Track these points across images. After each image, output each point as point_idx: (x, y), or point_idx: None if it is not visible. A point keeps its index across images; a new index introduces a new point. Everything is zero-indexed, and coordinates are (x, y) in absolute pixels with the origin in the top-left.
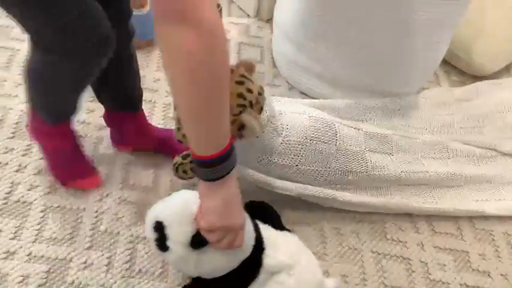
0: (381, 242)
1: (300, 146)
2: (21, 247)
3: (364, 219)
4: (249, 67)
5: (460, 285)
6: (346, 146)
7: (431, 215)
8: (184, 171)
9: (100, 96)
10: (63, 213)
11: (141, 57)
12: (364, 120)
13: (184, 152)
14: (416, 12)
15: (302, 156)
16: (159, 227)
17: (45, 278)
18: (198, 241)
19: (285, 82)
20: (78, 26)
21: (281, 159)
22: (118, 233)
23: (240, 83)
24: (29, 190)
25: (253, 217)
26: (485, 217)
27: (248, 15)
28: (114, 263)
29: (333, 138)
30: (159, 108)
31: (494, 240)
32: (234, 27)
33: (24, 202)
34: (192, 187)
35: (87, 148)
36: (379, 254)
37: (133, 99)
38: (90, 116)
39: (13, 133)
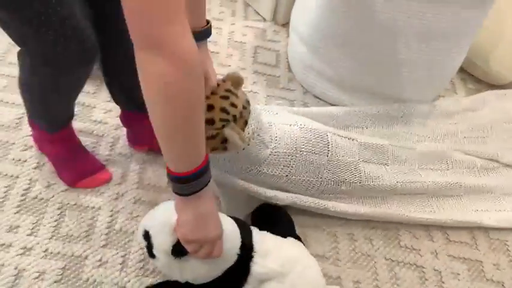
0: (395, 249)
1: (289, 157)
2: (38, 243)
3: (378, 226)
4: (237, 81)
5: None
6: (338, 156)
7: (429, 225)
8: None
9: (115, 97)
10: (79, 211)
11: None
12: (363, 127)
13: None
14: (436, 20)
15: (292, 167)
16: (146, 236)
17: (61, 274)
18: (178, 250)
19: (299, 86)
20: (61, 38)
21: (270, 169)
22: (133, 232)
23: (225, 97)
24: (46, 187)
25: (263, 221)
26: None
27: (264, 19)
28: (129, 262)
29: (325, 149)
30: None
31: (508, 250)
32: (250, 31)
33: (41, 199)
34: None
35: (103, 147)
36: (392, 261)
37: None
38: (107, 116)
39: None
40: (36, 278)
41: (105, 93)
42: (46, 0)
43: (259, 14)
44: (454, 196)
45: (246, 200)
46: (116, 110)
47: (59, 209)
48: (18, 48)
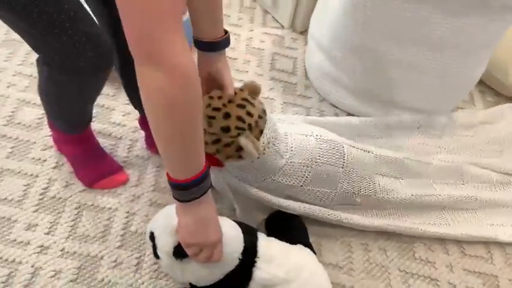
0: (409, 260)
1: (304, 167)
2: (55, 242)
3: (393, 237)
4: (254, 90)
5: None
6: (353, 168)
7: (444, 238)
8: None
9: (133, 101)
10: (96, 212)
11: None
12: (379, 137)
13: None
14: (458, 32)
15: (307, 177)
16: (152, 237)
17: (76, 274)
18: (179, 252)
19: (316, 94)
20: (75, 44)
21: (285, 179)
22: None
23: (241, 106)
24: (65, 187)
25: (277, 227)
26: None
27: (282, 26)
28: (143, 264)
29: (340, 161)
30: None
31: None
32: (268, 38)
33: (59, 198)
34: None
35: (121, 149)
36: (406, 273)
37: None
38: (125, 119)
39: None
40: (52, 276)
41: (124, 96)
42: (59, 6)
43: (277, 21)
44: (469, 210)
45: (259, 207)
46: (135, 112)
47: (76, 208)
48: None
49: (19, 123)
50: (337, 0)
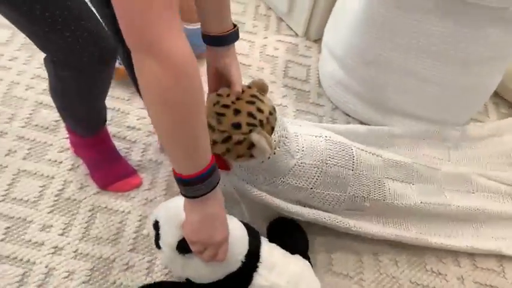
0: (420, 272)
1: (315, 168)
2: (68, 243)
3: (404, 248)
4: (262, 87)
5: None
6: (363, 171)
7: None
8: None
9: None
10: (109, 214)
11: None
12: (385, 147)
13: None
14: (476, 44)
15: (317, 179)
16: (156, 226)
17: (89, 275)
18: (183, 247)
19: (329, 102)
20: (78, 40)
21: (295, 180)
22: None
23: (251, 102)
24: (79, 189)
25: (278, 234)
26: None
27: (297, 34)
28: (155, 268)
29: (350, 163)
30: None
31: None
32: (282, 45)
33: (74, 200)
34: None
35: (135, 153)
36: (418, 284)
37: None
38: (140, 123)
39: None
40: (66, 277)
41: (139, 100)
42: (62, 4)
43: (291, 29)
44: (477, 222)
45: (266, 212)
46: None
47: (90, 211)
48: None
49: (36, 125)
50: (352, 10)
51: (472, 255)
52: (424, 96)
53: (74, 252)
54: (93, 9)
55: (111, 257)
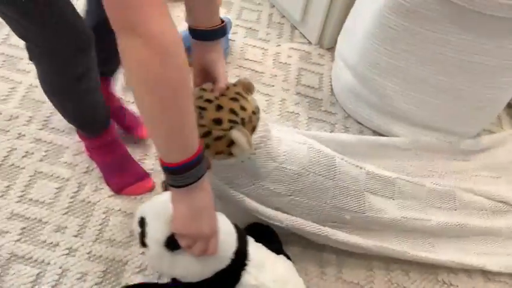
0: (431, 283)
1: (296, 175)
2: (82, 245)
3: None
4: (247, 87)
5: None
6: (344, 182)
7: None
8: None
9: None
10: (123, 217)
11: None
12: (374, 156)
13: None
14: (486, 55)
15: (297, 186)
16: (142, 223)
17: (102, 277)
18: (171, 242)
19: (341, 110)
20: (56, 29)
21: (274, 185)
22: None
23: (234, 99)
24: (94, 191)
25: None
26: None
27: (310, 42)
28: None
29: (331, 173)
30: None
31: None
32: (295, 53)
33: (89, 202)
34: None
35: (149, 157)
36: None
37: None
38: None
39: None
40: (79, 278)
41: None
42: None
43: (305, 37)
44: (458, 237)
45: (241, 215)
46: None
47: (104, 213)
48: None
49: (53, 128)
50: (365, 19)
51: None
52: (438, 106)
53: (88, 253)
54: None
55: (124, 259)
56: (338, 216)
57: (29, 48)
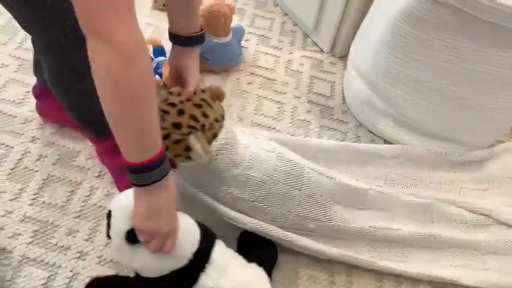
0: None
1: (260, 182)
2: (93, 249)
3: None
4: (216, 94)
5: None
6: (311, 192)
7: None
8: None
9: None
10: None
11: (217, 82)
12: (358, 164)
13: None
14: (500, 66)
15: (261, 193)
16: (109, 216)
17: None
18: (131, 236)
19: (353, 119)
20: (56, 20)
21: (237, 191)
22: None
23: (198, 105)
24: (106, 195)
25: (245, 246)
26: None
27: (322, 50)
28: None
29: (298, 183)
30: None
31: None
32: (307, 61)
33: (100, 206)
34: None
35: None
36: None
37: None
38: None
39: None
40: None
41: None
42: None
43: (317, 45)
44: (433, 248)
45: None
46: None
47: None
48: None
49: (66, 132)
50: (378, 28)
51: None
52: (451, 116)
53: (98, 258)
54: None
55: None
56: (303, 225)
57: (33, 42)
